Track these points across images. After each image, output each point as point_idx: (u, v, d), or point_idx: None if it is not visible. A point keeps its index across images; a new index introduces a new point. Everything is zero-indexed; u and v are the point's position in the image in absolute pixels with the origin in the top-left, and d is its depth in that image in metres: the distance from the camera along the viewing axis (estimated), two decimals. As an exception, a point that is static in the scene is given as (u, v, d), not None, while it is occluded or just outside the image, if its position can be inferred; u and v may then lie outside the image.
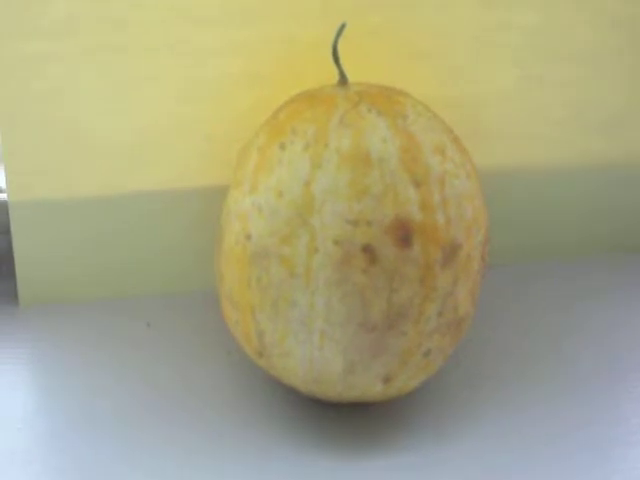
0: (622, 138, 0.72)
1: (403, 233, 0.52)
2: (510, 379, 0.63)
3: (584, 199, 0.73)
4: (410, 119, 0.54)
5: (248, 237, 0.54)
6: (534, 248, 0.75)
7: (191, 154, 0.66)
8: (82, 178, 0.65)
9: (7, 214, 0.68)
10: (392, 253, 0.52)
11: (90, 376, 0.62)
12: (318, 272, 0.52)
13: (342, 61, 0.63)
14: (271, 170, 0.54)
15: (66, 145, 0.64)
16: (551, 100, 0.69)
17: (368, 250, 0.52)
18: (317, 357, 0.54)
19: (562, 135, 0.71)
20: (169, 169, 0.66)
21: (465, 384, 0.63)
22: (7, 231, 0.69)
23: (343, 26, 0.56)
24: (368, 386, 0.56)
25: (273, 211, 0.53)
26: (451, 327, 0.56)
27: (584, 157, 0.72)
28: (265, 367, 0.57)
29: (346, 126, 0.53)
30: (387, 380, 0.56)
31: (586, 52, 0.68)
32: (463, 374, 0.64)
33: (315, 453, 0.56)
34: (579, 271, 0.75)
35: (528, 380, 0.63)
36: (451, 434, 0.58)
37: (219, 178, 0.67)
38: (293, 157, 0.53)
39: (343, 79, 0.57)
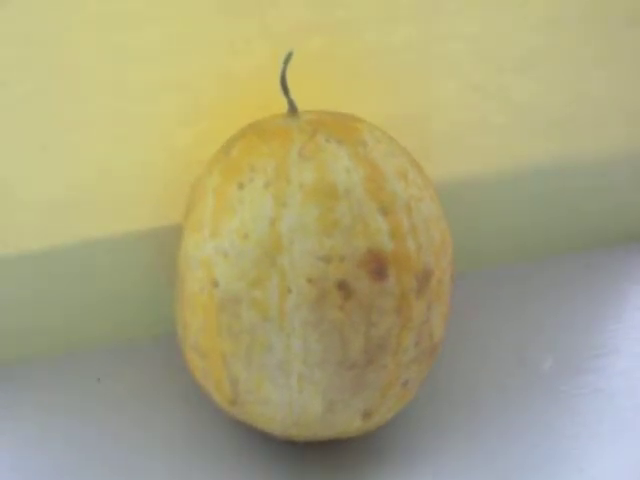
0: (568, 140, 0.71)
1: (377, 265, 0.50)
2: (482, 400, 0.62)
3: (536, 202, 0.73)
4: (370, 146, 0.53)
5: (215, 284, 0.51)
6: (493, 253, 0.74)
7: (129, 197, 0.63)
8: (14, 233, 0.61)
9: None
10: (367, 287, 0.50)
11: (37, 438, 0.59)
12: (293, 313, 0.50)
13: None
14: (232, 212, 0.51)
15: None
16: (492, 108, 0.69)
17: (343, 286, 0.50)
18: (296, 400, 0.52)
19: (507, 141, 0.70)
20: (106, 215, 0.63)
21: (434, 406, 0.61)
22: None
23: (290, 54, 0.54)
24: (347, 423, 0.54)
25: (239, 254, 0.51)
26: (427, 354, 0.54)
27: (532, 160, 0.71)
28: (238, 414, 0.55)
29: (306, 159, 0.51)
30: (367, 415, 0.54)
31: (524, 58, 0.68)
32: (430, 396, 0.62)
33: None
34: (528, 274, 0.74)
35: (502, 399, 0.62)
36: (423, 462, 0.57)
37: (163, 220, 0.64)
38: (254, 196, 0.51)
39: (293, 109, 0.55)
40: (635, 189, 0.75)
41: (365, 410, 0.53)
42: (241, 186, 0.51)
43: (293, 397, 0.52)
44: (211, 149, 0.62)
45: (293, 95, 0.62)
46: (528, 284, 0.72)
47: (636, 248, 0.77)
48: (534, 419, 0.60)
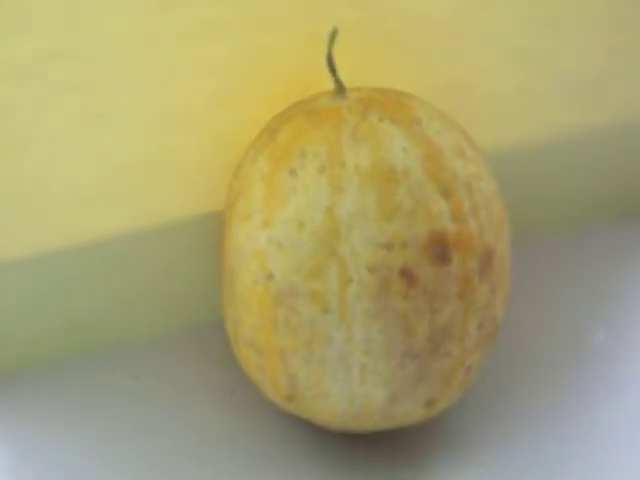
0: (607, 105, 0.69)
1: (440, 249, 0.48)
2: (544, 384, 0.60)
3: (587, 169, 0.70)
4: (424, 123, 0.50)
5: (269, 276, 0.49)
6: (547, 223, 0.71)
7: (165, 186, 0.60)
8: (47, 228, 0.59)
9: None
10: (431, 272, 0.48)
11: (73, 442, 0.56)
12: (354, 304, 0.48)
13: (322, 65, 0.58)
14: (285, 200, 0.48)
15: (23, 197, 0.57)
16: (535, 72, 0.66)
17: (406, 273, 0.48)
18: (358, 393, 0.50)
19: (549, 106, 0.68)
20: (145, 206, 0.60)
21: (492, 389, 0.59)
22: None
23: (335, 31, 0.51)
24: (409, 413, 0.52)
25: (295, 245, 0.48)
26: (489, 337, 0.52)
27: (575, 127, 0.69)
28: (294, 410, 0.52)
29: (360, 141, 0.48)
30: (429, 404, 0.52)
31: (561, 20, 0.65)
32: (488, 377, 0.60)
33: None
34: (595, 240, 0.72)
35: (564, 384, 0.60)
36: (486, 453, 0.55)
37: (201, 207, 0.61)
38: (308, 183, 0.48)
39: (341, 87, 0.52)
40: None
41: (428, 399, 0.51)
42: (293, 172, 0.49)
43: (354, 389, 0.50)
44: (250, 132, 0.59)
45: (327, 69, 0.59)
46: (580, 253, 0.70)
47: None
48: (595, 396, 0.58)
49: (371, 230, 0.47)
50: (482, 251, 0.50)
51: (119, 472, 0.54)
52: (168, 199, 0.60)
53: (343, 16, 0.59)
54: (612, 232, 0.72)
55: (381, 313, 0.48)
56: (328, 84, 0.59)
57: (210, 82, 0.58)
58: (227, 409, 0.59)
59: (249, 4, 0.57)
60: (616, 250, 0.70)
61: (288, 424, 0.57)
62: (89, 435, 0.57)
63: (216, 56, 0.57)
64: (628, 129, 0.70)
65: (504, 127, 0.67)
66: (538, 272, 0.68)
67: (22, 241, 0.58)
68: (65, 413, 0.59)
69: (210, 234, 0.62)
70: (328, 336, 0.48)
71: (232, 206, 0.52)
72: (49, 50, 0.54)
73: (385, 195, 0.47)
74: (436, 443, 0.56)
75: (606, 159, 0.71)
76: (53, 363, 0.62)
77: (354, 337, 0.48)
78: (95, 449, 0.56)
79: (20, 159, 0.56)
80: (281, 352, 0.50)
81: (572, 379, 0.59)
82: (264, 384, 0.52)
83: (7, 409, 0.59)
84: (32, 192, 0.57)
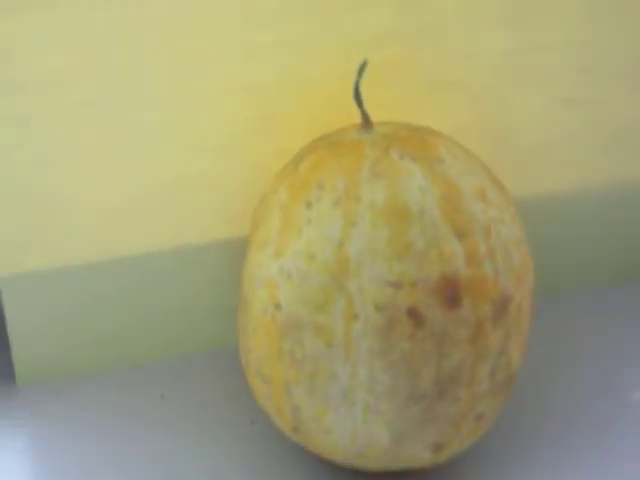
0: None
1: (451, 292, 0.47)
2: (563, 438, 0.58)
3: (623, 223, 0.68)
4: (446, 163, 0.49)
5: (277, 306, 0.48)
6: (580, 273, 0.69)
7: (195, 207, 0.60)
8: (75, 244, 0.59)
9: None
10: (440, 315, 0.47)
11: (98, 459, 0.57)
12: (359, 341, 0.47)
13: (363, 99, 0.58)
14: (299, 231, 0.48)
15: (52, 212, 0.58)
16: (585, 122, 0.64)
17: (414, 314, 0.47)
18: (360, 431, 0.49)
19: (594, 158, 0.66)
20: (174, 226, 0.60)
21: (510, 439, 0.58)
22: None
23: (364, 64, 0.50)
24: (416, 456, 0.51)
25: (304, 277, 0.48)
26: (503, 385, 0.51)
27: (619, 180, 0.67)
28: (300, 442, 0.52)
29: (378, 176, 0.48)
30: (437, 449, 0.51)
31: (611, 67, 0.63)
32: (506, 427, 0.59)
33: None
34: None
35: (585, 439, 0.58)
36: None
37: (229, 232, 0.61)
38: (322, 215, 0.48)
39: (367, 121, 0.51)
40: None
41: (435, 444, 0.50)
42: (309, 205, 0.48)
43: (357, 427, 0.49)
44: (285, 159, 0.59)
45: (369, 104, 0.59)
46: (613, 307, 0.68)
47: None
48: (621, 454, 0.56)
49: (380, 268, 0.47)
50: (497, 297, 0.48)
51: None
52: (198, 221, 0.60)
53: (385, 49, 0.58)
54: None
55: (386, 352, 0.47)
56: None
57: (246, 106, 0.58)
58: (247, 437, 0.58)
59: (289, 28, 0.57)
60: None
61: (301, 453, 0.57)
62: (108, 446, 0.58)
63: (252, 80, 0.57)
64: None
65: (542, 174, 0.65)
66: (566, 323, 0.66)
67: (52, 253, 0.59)
68: (87, 429, 0.59)
69: (239, 258, 0.62)
70: (332, 371, 0.48)
71: (253, 233, 0.52)
72: (82, 65, 0.55)
73: (397, 233, 0.47)
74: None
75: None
76: (77, 375, 0.63)
77: (358, 374, 0.48)
78: (112, 458, 0.57)
79: (53, 172, 0.57)
80: (286, 383, 0.49)
81: (593, 434, 0.57)
82: (272, 414, 0.52)
83: (36, 418, 0.60)
84: (64, 206, 0.58)
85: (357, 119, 0.59)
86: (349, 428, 0.49)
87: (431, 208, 0.47)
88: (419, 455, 0.51)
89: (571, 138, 0.64)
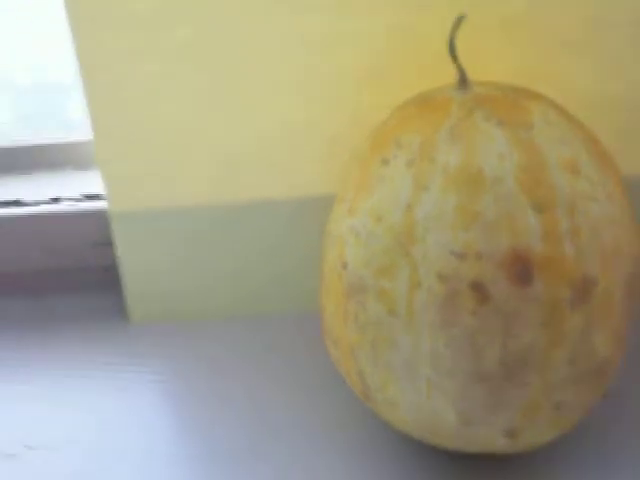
0: None
1: (521, 268, 0.44)
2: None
3: None
4: (536, 129, 0.45)
5: (344, 265, 0.47)
6: None
7: (311, 159, 0.59)
8: (190, 185, 0.60)
9: (108, 225, 0.63)
10: (507, 291, 0.44)
11: (213, 401, 0.57)
12: (421, 312, 0.45)
13: (478, 55, 0.54)
14: (371, 189, 0.46)
15: (169, 150, 0.58)
16: None
17: (477, 287, 0.44)
18: (425, 407, 0.47)
19: None
20: (287, 176, 0.59)
21: (605, 435, 0.53)
22: (110, 243, 0.64)
23: (460, 18, 0.47)
24: (489, 440, 0.48)
25: (370, 238, 0.46)
26: (589, 376, 0.46)
27: None
28: (375, 411, 0.50)
29: (456, 138, 0.45)
30: (511, 434, 0.47)
31: None
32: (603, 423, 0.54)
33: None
34: None
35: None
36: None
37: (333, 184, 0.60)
38: (394, 175, 0.45)
39: (463, 79, 0.48)
40: None
41: (507, 429, 0.47)
42: (385, 162, 0.46)
43: (422, 402, 0.47)
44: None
45: (481, 61, 0.55)
46: None
47: None
48: None
49: (446, 236, 0.44)
50: (577, 279, 0.44)
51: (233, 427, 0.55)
52: (305, 171, 0.59)
53: (509, 6, 0.54)
54: None
55: (447, 326, 0.44)
56: (478, 74, 0.55)
57: (355, 55, 0.56)
58: (342, 396, 0.57)
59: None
60: None
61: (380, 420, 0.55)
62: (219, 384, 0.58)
63: (361, 32, 0.55)
64: None
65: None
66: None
67: (164, 192, 0.60)
68: (202, 370, 0.60)
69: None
70: (393, 340, 0.46)
71: (339, 187, 0.50)
72: (203, 33, 0.55)
73: (465, 200, 0.44)
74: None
75: None
76: (189, 318, 0.64)
77: (421, 347, 0.45)
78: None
79: (166, 113, 0.58)
80: (351, 347, 0.48)
81: None
82: (345, 377, 0.51)
83: (142, 354, 0.61)
84: (177, 147, 0.59)
85: (474, 76, 0.56)
86: (414, 401, 0.47)
87: (507, 176, 0.44)
88: (492, 440, 0.48)
89: None
